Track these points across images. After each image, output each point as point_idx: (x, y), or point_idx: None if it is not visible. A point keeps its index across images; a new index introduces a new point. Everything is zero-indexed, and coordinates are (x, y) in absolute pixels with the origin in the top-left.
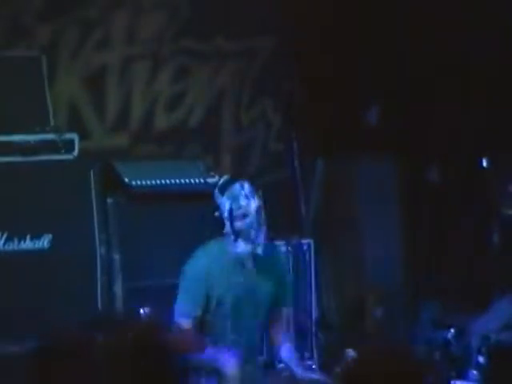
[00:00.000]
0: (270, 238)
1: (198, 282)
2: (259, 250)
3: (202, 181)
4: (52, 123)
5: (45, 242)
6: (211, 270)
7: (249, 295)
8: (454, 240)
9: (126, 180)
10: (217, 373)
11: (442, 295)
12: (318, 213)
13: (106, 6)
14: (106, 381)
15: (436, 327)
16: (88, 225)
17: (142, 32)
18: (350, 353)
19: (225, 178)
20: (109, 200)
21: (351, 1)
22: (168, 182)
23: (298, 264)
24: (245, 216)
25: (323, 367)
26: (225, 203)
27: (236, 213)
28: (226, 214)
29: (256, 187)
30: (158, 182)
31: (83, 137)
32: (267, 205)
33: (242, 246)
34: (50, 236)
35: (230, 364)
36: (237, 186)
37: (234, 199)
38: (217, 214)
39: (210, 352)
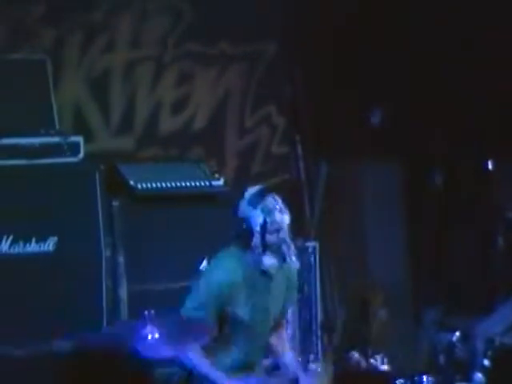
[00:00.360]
0: None
1: (214, 295)
2: (293, 265)
3: (206, 183)
4: (57, 126)
5: (50, 244)
6: (233, 281)
7: (265, 306)
8: (458, 243)
9: (131, 183)
10: None
11: (446, 298)
12: (322, 215)
13: (111, 9)
14: None
15: (440, 330)
16: (93, 227)
17: (146, 36)
18: (355, 355)
19: (253, 190)
20: (114, 203)
21: (352, 3)
22: (173, 184)
23: (303, 266)
24: (278, 231)
25: None
26: (258, 217)
27: (270, 227)
28: (257, 228)
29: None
30: (163, 184)
31: (88, 140)
32: None
33: (270, 260)
34: (56, 239)
35: None
36: (270, 199)
37: (269, 213)
38: (245, 226)
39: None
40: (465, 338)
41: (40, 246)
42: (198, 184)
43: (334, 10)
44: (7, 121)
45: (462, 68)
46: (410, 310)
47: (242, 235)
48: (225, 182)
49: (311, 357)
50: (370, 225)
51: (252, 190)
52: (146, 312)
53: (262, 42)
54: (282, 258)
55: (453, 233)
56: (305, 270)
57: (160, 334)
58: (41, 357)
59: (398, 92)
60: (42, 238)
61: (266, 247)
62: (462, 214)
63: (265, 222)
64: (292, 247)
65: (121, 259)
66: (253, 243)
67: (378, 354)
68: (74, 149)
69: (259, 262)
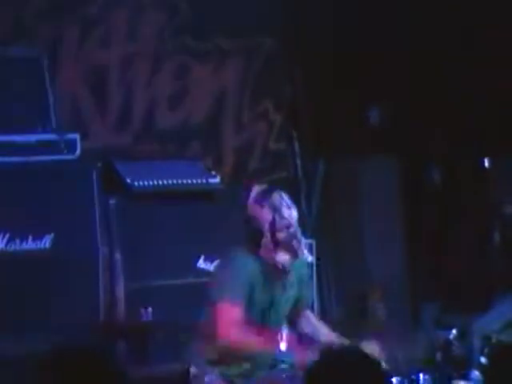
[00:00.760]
0: None
1: (246, 276)
2: (304, 259)
3: (203, 181)
4: (54, 123)
5: (47, 242)
6: (254, 273)
7: (276, 304)
8: (455, 240)
9: (128, 180)
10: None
11: (443, 295)
12: (320, 213)
13: (107, 4)
14: None
15: (438, 327)
16: (90, 225)
17: (142, 31)
18: None
19: (259, 188)
20: (111, 200)
21: (352, 1)
22: (169, 182)
23: None
24: (288, 227)
25: None
26: (266, 215)
27: (279, 224)
28: (266, 226)
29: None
30: (160, 182)
31: (85, 137)
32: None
33: (282, 256)
34: (52, 236)
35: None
36: (276, 196)
37: (276, 210)
38: (254, 225)
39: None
40: (462, 335)
41: (36, 244)
42: (194, 181)
43: (334, 7)
44: (3, 118)
45: (461, 67)
46: (407, 307)
47: (252, 235)
48: (221, 179)
49: None
50: (368, 222)
51: (258, 189)
52: (143, 310)
53: (259, 38)
54: (295, 253)
55: (450, 231)
56: None
57: None
58: (37, 354)
59: (396, 91)
60: (38, 236)
61: (277, 245)
62: (460, 212)
63: (273, 219)
64: (303, 241)
65: (117, 257)
66: (263, 242)
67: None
68: (70, 146)
69: (272, 260)
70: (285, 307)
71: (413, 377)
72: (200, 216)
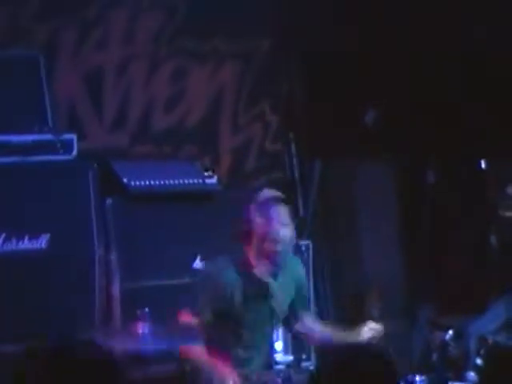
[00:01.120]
0: None
1: (219, 291)
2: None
3: (199, 181)
4: (50, 123)
5: (43, 242)
6: (233, 283)
7: (267, 307)
8: (452, 241)
9: (125, 180)
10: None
11: (439, 296)
12: (316, 214)
13: (104, 6)
14: None
15: (434, 328)
16: (86, 225)
17: (139, 32)
18: None
19: (265, 194)
20: (107, 200)
21: (351, 2)
22: (166, 182)
23: None
24: (277, 242)
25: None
26: (260, 223)
27: (270, 236)
28: (259, 235)
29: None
30: (157, 182)
31: (81, 137)
32: None
33: (262, 268)
34: (48, 236)
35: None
36: (276, 209)
37: (270, 223)
38: (247, 227)
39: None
40: (458, 336)
41: (33, 244)
42: (191, 182)
43: (333, 7)
44: (0, 118)
45: (459, 67)
46: (403, 308)
47: (243, 235)
48: (218, 180)
49: (304, 355)
50: (365, 223)
51: (264, 194)
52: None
53: (257, 39)
54: (275, 266)
55: (447, 232)
56: None
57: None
58: (34, 353)
59: (394, 92)
60: (34, 236)
61: (261, 253)
62: (457, 213)
63: (264, 230)
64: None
65: (114, 257)
66: (252, 245)
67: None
68: (67, 146)
69: (254, 266)
70: (280, 312)
71: (409, 378)
72: (196, 216)
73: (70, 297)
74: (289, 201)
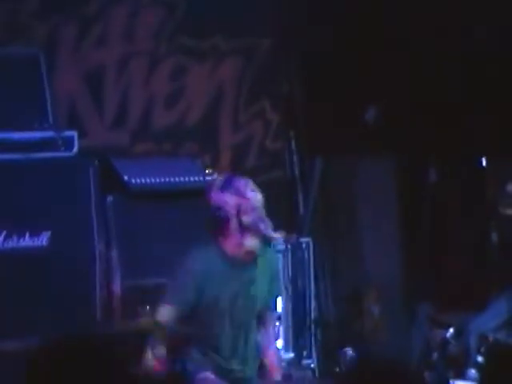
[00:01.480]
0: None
1: (190, 283)
2: (275, 245)
3: (200, 178)
4: (51, 121)
5: (44, 239)
6: (208, 270)
7: (246, 290)
8: (452, 239)
9: (125, 178)
10: None
11: (439, 295)
12: (317, 212)
13: (104, 2)
14: None
15: (434, 326)
16: (87, 222)
17: (140, 29)
18: (349, 351)
19: (222, 176)
20: (108, 198)
21: (351, 2)
22: (166, 179)
23: (297, 263)
24: (253, 209)
25: (322, 365)
26: (230, 199)
27: (244, 207)
28: (232, 211)
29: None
30: (157, 179)
31: (82, 134)
32: (265, 203)
33: (251, 241)
34: (49, 233)
35: None
36: (239, 181)
37: (240, 193)
38: (220, 213)
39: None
40: (458, 334)
41: (34, 241)
42: (191, 179)
43: (333, 6)
44: (0, 115)
45: (459, 67)
46: (403, 306)
47: (218, 224)
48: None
49: (304, 353)
50: (365, 221)
51: (220, 177)
52: (140, 307)
53: (257, 37)
54: (263, 236)
55: (448, 231)
56: (298, 265)
57: None
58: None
59: (394, 90)
60: (35, 233)
61: (244, 229)
62: (457, 211)
63: (238, 202)
64: (270, 225)
65: (114, 254)
66: (230, 229)
67: None
68: (68, 143)
69: (241, 248)
70: (258, 297)
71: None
72: (197, 214)
73: (70, 294)
74: (289, 198)
